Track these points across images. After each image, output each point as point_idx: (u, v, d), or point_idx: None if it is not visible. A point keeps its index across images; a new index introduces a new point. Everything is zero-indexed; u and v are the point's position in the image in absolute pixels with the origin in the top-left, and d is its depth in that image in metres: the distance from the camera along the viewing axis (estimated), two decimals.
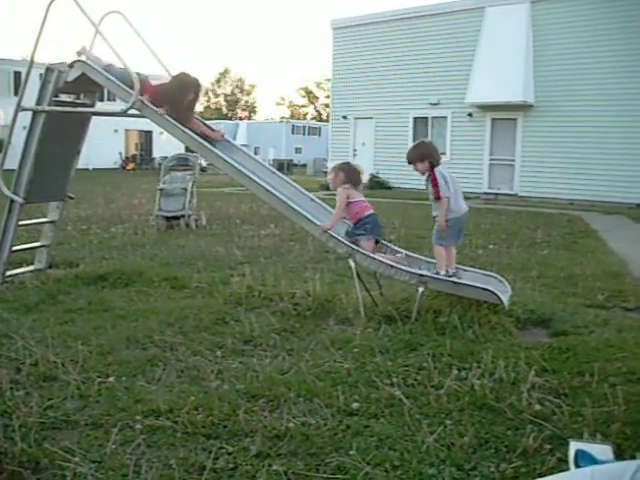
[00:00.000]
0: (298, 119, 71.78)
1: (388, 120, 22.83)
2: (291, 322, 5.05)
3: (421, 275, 5.13)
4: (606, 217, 14.66)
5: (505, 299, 5.06)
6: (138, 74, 5.83)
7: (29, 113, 6.04)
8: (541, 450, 2.99)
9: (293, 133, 54.02)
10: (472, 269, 5.76)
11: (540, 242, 9.81)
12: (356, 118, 23.91)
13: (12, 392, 3.55)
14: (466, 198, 5.70)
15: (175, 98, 5.69)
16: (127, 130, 41.47)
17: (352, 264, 5.23)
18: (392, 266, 5.18)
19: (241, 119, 73.79)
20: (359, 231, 5.42)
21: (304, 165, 43.93)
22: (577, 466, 2.63)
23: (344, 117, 24.21)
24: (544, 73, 18.95)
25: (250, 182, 5.43)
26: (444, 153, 21.44)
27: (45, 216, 6.93)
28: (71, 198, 6.87)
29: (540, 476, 2.75)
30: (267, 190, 5.39)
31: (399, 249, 5.74)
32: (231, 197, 17.25)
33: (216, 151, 5.56)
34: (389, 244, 5.80)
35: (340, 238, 5.28)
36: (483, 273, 5.63)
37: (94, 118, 6.72)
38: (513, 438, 3.11)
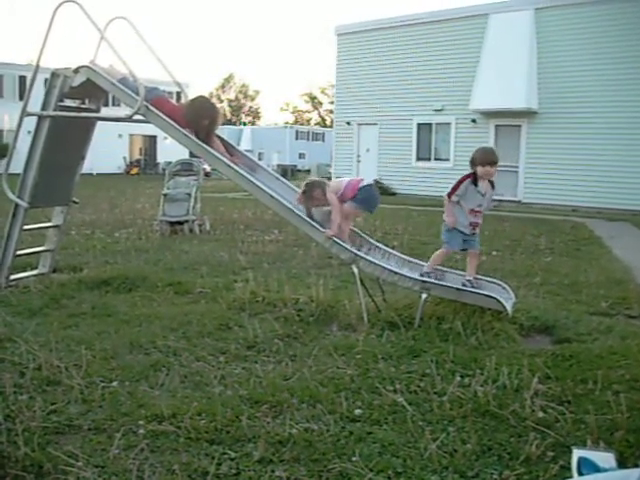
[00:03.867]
0: (302, 125, 71.86)
1: (392, 126, 22.84)
2: (294, 328, 5.05)
3: (424, 281, 5.14)
4: (610, 224, 14.63)
5: (508, 306, 5.06)
6: (156, 88, 5.85)
7: (34, 118, 6.06)
8: (544, 457, 2.98)
9: (297, 139, 54.10)
10: (475, 276, 5.75)
11: (544, 249, 9.80)
12: (360, 124, 23.93)
13: (16, 396, 3.56)
14: None
15: (191, 122, 5.66)
16: (131, 135, 41.62)
17: (355, 270, 5.24)
18: (395, 272, 5.19)
19: (245, 124, 73.90)
20: (352, 200, 5.42)
21: (308, 171, 43.93)
22: (580, 474, 2.63)
23: (348, 123, 24.23)
24: (548, 80, 18.96)
25: (254, 188, 5.44)
26: (448, 159, 21.49)
27: (49, 220, 6.95)
28: (75, 203, 6.89)
29: None
30: (271, 196, 5.40)
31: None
32: (235, 202, 17.26)
33: (219, 156, 5.57)
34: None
35: (344, 244, 5.29)
36: (486, 280, 5.62)
37: (99, 123, 6.74)
38: (516, 445, 3.11)
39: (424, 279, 5.19)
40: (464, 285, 5.28)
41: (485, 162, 5.26)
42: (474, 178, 5.30)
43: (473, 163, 5.32)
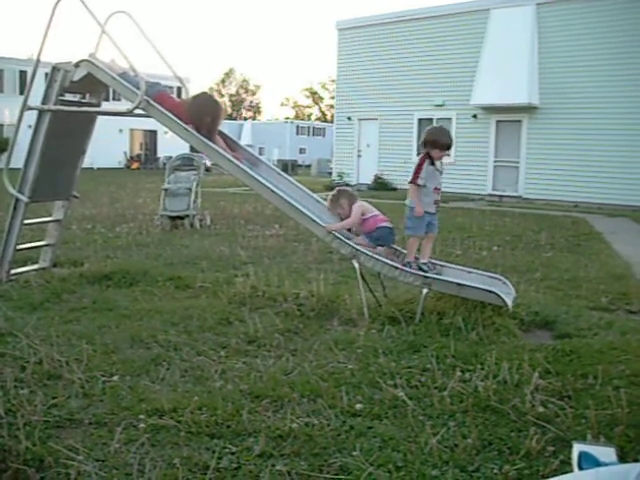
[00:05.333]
0: (302, 120, 71.77)
1: (393, 121, 22.81)
2: (295, 322, 5.06)
3: (425, 277, 5.14)
4: (610, 219, 14.63)
5: (509, 301, 5.05)
6: (157, 83, 5.85)
7: (35, 112, 6.06)
8: (544, 452, 2.99)
9: (297, 134, 54.08)
10: (476, 271, 5.75)
11: (544, 244, 9.80)
12: (360, 119, 23.90)
13: (16, 390, 3.56)
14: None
15: (193, 118, 5.65)
16: (132, 130, 41.60)
17: (356, 265, 5.24)
18: (396, 267, 5.19)
19: (246, 119, 73.82)
20: (367, 234, 5.51)
21: (308, 166, 43.95)
22: (580, 468, 2.62)
23: (349, 118, 24.20)
24: (549, 75, 18.93)
25: (255, 182, 5.44)
26: (448, 155, 21.44)
27: (50, 215, 6.95)
28: (76, 197, 6.89)
29: (543, 478, 2.75)
30: (271, 190, 5.39)
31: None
32: (235, 197, 17.26)
33: (220, 151, 5.57)
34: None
35: (344, 239, 5.28)
36: (487, 275, 5.62)
37: (99, 117, 6.73)
38: (516, 440, 3.11)
39: (426, 274, 5.19)
40: (407, 265, 5.31)
41: (443, 147, 5.36)
42: (430, 158, 5.36)
43: (429, 145, 5.36)
